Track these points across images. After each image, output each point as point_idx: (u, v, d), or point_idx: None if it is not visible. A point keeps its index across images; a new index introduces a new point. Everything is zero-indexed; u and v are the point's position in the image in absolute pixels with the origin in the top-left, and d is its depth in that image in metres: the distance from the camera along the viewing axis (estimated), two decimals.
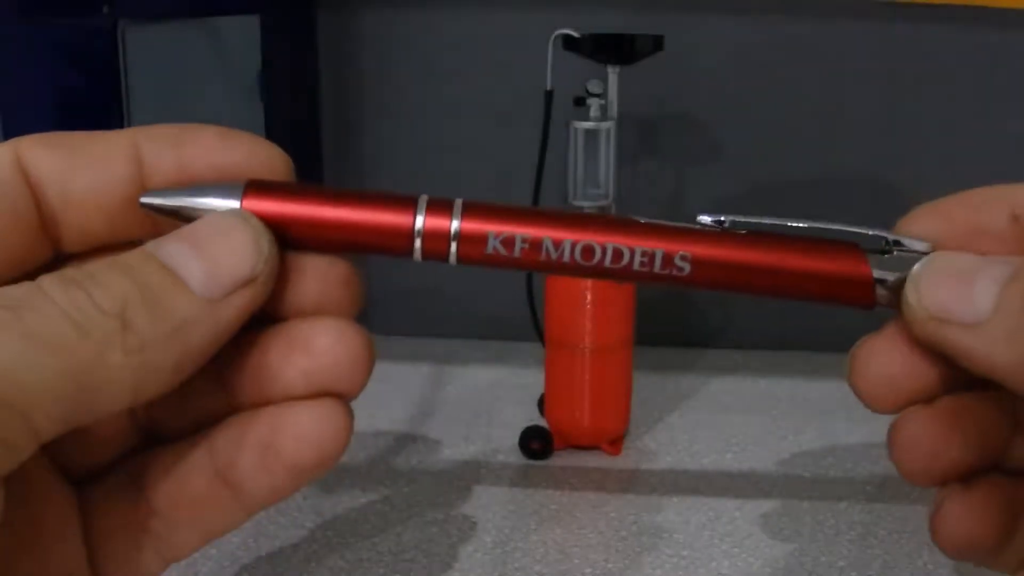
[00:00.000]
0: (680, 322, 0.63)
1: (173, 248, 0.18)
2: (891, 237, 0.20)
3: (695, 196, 0.62)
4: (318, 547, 0.38)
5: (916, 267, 0.19)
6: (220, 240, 0.19)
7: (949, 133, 0.59)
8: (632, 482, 0.44)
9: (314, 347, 0.19)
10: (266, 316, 0.20)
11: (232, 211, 0.19)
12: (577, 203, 0.46)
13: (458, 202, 0.20)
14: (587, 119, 0.46)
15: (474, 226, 0.20)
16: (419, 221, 0.20)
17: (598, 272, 0.20)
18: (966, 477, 0.20)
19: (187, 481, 0.20)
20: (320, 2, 0.61)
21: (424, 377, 0.56)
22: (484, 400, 0.53)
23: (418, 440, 0.48)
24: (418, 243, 0.20)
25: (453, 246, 0.20)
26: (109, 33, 0.51)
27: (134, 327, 0.17)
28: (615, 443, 0.47)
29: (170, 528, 0.20)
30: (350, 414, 0.20)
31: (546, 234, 0.20)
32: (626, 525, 0.40)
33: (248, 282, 0.19)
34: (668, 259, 0.20)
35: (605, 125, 0.46)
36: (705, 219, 0.20)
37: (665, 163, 0.62)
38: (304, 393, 0.20)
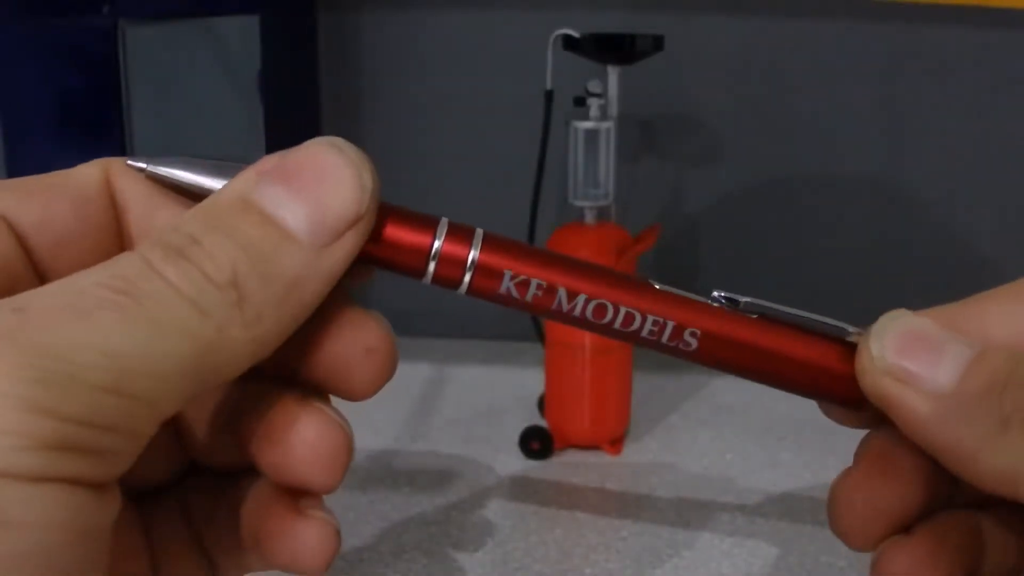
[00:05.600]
0: None
1: (272, 192, 0.17)
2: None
3: (695, 196, 0.62)
4: None
5: (881, 320, 0.19)
6: (322, 178, 0.17)
7: (949, 133, 0.59)
8: (632, 482, 0.44)
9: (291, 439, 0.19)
10: (283, 367, 0.19)
11: (327, 141, 0.18)
12: (577, 203, 0.46)
13: (479, 232, 0.19)
14: (587, 119, 0.46)
15: (492, 259, 0.19)
16: (436, 244, 0.19)
17: (605, 330, 0.20)
18: None
19: (228, 518, 0.20)
20: (320, 2, 0.61)
21: (424, 377, 0.56)
22: (484, 400, 0.53)
23: (418, 440, 0.48)
24: (432, 266, 0.19)
25: (467, 276, 0.19)
26: (109, 33, 0.51)
27: (249, 296, 0.16)
28: (615, 443, 0.47)
29: (217, 555, 0.21)
30: (338, 536, 0.20)
31: (562, 284, 0.19)
32: (626, 525, 0.40)
33: (356, 221, 0.17)
34: (678, 332, 0.19)
35: (605, 125, 0.46)
36: (720, 295, 0.20)
37: (665, 163, 0.62)
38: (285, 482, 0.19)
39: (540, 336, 0.49)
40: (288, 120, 0.57)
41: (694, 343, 0.19)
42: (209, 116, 0.54)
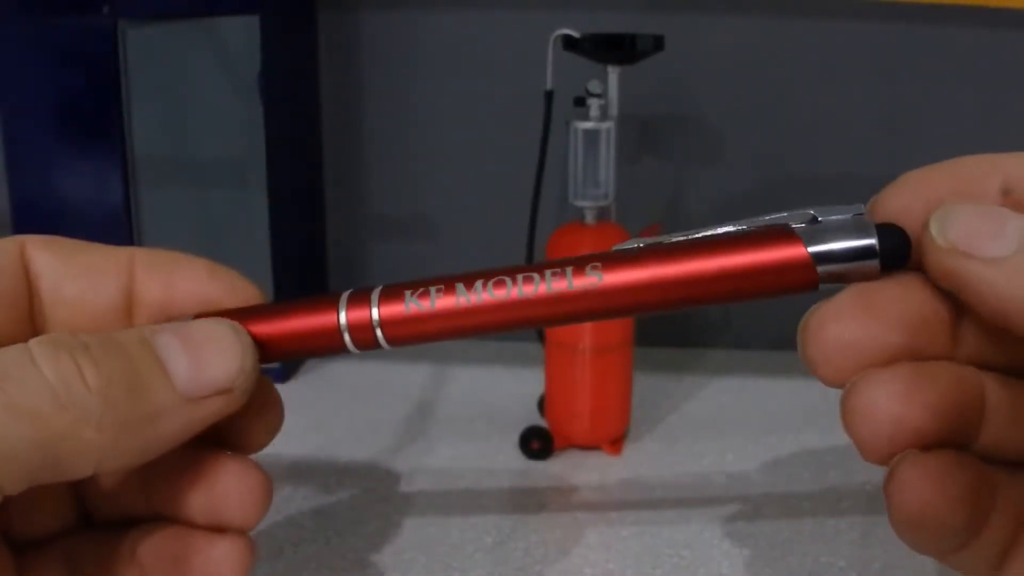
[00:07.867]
0: (680, 322, 0.63)
1: (167, 340, 0.19)
2: (819, 215, 0.20)
3: (695, 196, 0.62)
4: (318, 547, 0.38)
5: (944, 206, 0.18)
6: (211, 346, 0.20)
7: (949, 133, 0.59)
8: (632, 482, 0.44)
9: (216, 487, 0.21)
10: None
11: (226, 322, 0.21)
12: (577, 203, 0.46)
13: (376, 291, 0.20)
14: (587, 119, 0.46)
15: (392, 308, 0.20)
16: (342, 317, 0.20)
17: (517, 308, 0.20)
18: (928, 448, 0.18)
19: (109, 570, 0.22)
20: (320, 2, 0.61)
21: (424, 377, 0.56)
22: (484, 400, 0.53)
23: (418, 440, 0.48)
24: (347, 338, 0.20)
25: (379, 332, 0.20)
26: (109, 33, 0.51)
27: (113, 407, 0.18)
28: (615, 443, 0.47)
29: None
30: (253, 549, 0.22)
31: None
32: (626, 525, 0.40)
33: (226, 391, 0.20)
34: (579, 271, 0.20)
35: (605, 125, 0.46)
36: (621, 246, 0.21)
37: (665, 163, 0.62)
38: (208, 523, 0.21)
39: (540, 336, 0.49)
40: (288, 120, 0.57)
41: (598, 276, 0.20)
42: (209, 116, 0.54)
